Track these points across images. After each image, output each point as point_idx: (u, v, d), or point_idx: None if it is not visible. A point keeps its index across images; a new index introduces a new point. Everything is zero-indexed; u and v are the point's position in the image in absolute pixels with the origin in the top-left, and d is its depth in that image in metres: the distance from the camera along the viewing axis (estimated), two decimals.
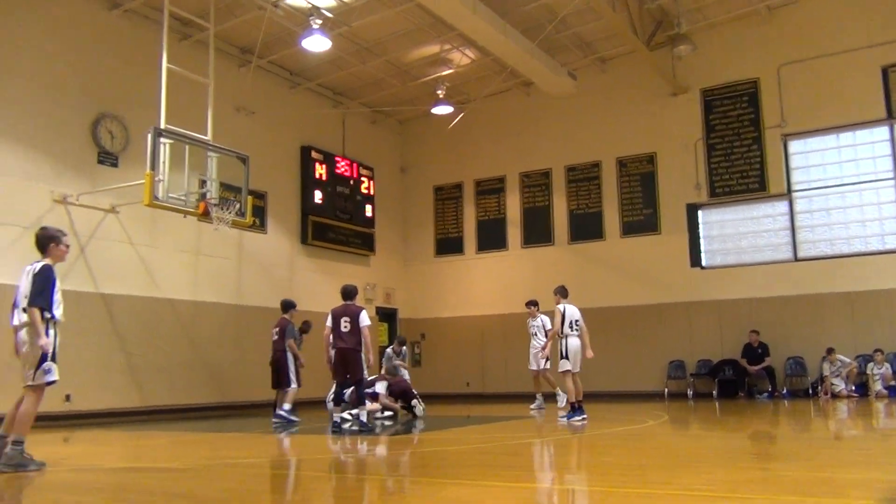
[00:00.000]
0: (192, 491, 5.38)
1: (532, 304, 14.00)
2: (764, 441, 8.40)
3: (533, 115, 19.56)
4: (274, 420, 11.47)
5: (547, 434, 9.01)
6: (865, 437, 8.70)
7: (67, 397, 12.55)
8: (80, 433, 10.79)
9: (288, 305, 12.27)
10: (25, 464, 6.20)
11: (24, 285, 6.45)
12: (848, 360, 14.87)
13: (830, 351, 14.88)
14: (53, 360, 6.39)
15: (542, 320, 13.63)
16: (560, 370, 10.78)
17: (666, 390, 16.90)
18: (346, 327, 10.00)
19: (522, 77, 18.03)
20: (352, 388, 10.31)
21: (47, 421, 12.02)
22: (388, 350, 13.89)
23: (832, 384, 14.82)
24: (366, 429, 9.83)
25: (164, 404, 13.93)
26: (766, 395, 15.62)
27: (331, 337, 10.07)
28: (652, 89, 17.92)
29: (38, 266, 6.41)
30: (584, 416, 10.43)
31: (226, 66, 15.71)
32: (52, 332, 6.43)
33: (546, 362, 13.46)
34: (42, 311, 6.34)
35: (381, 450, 8.33)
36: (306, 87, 18.24)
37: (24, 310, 6.36)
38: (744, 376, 16.06)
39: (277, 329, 11.90)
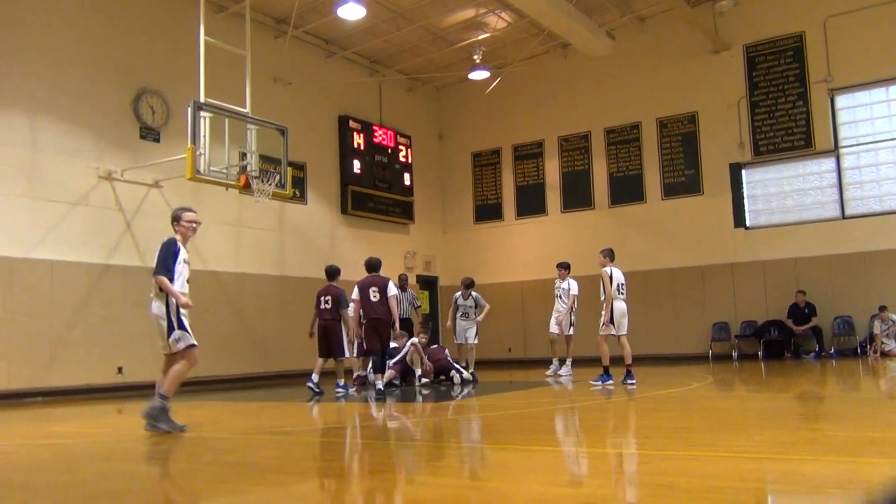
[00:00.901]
0: (241, 458, 5.50)
1: (563, 266, 13.55)
2: (811, 402, 8.30)
3: (570, 78, 19.31)
4: (337, 390, 11.05)
5: (589, 399, 9.02)
6: None
7: (119, 369, 12.90)
8: (132, 404, 11.07)
9: (336, 272, 11.71)
10: (168, 422, 6.69)
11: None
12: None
13: (883, 309, 14.59)
14: (181, 327, 6.75)
15: (570, 283, 13.32)
16: (603, 333, 10.71)
17: (710, 352, 16.77)
18: (375, 297, 10.29)
19: (559, 39, 17.78)
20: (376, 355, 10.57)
21: (102, 392, 12.40)
22: (457, 295, 13.57)
23: (882, 342, 14.56)
24: (381, 397, 9.95)
25: (212, 375, 14.20)
26: (812, 355, 15.42)
27: (360, 309, 10.38)
28: (693, 47, 17.55)
29: (165, 239, 6.95)
30: (612, 380, 10.48)
31: (262, 38, 15.74)
32: (173, 301, 6.80)
33: (571, 327, 13.25)
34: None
35: (420, 417, 8.42)
36: (342, 56, 18.21)
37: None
38: (790, 337, 15.85)
39: (328, 297, 11.25)
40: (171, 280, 6.83)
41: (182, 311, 6.80)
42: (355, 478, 4.56)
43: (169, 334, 6.69)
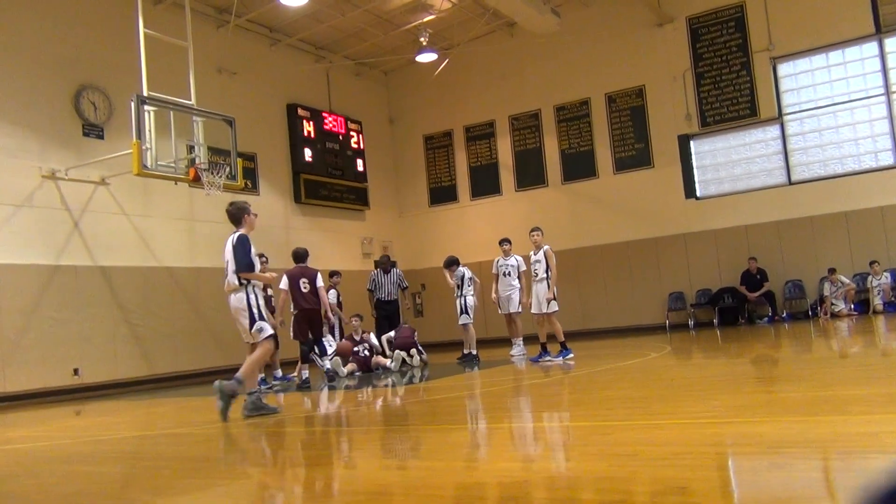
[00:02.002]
0: (206, 453, 5.45)
1: (506, 241, 12.80)
2: (766, 365, 8.51)
3: (518, 57, 19.33)
4: (273, 382, 11.05)
5: (549, 374, 9.11)
6: (865, 353, 8.80)
7: (76, 371, 12.66)
8: (91, 405, 10.91)
9: (307, 254, 10.97)
10: (261, 407, 6.92)
11: (227, 254, 7.10)
12: (848, 280, 14.97)
13: (832, 271, 14.97)
14: (261, 318, 7.01)
15: (518, 260, 12.63)
16: (552, 311, 10.67)
17: (667, 322, 17.05)
18: (305, 288, 10.36)
19: (505, 18, 17.78)
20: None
21: (58, 395, 12.18)
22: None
23: (832, 304, 14.95)
24: (306, 386, 9.96)
25: (172, 371, 14.05)
26: (766, 319, 15.78)
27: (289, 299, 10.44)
28: (637, 21, 17.71)
29: (236, 236, 7.08)
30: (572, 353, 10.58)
31: (203, 28, 15.46)
32: (252, 294, 7.03)
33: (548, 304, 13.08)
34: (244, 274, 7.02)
35: (382, 400, 8.43)
36: (287, 44, 17.98)
37: (227, 276, 7.03)
38: (744, 303, 16.19)
39: (305, 280, 10.54)
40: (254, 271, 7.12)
41: (261, 303, 7.08)
42: (323, 466, 4.55)
43: (251, 325, 6.94)
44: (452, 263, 13.05)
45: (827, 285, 15.12)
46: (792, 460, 3.35)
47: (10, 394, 11.73)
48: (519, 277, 12.46)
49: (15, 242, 12.23)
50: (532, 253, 10.92)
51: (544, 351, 10.66)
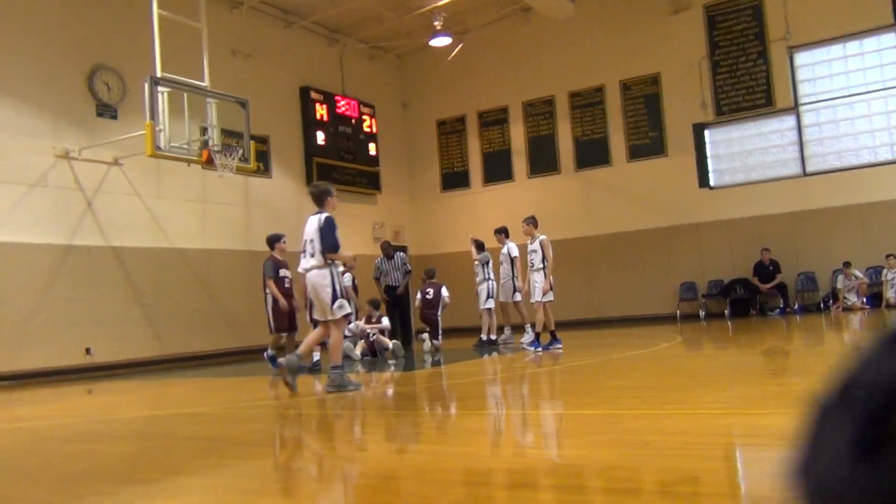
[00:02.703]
0: (219, 433, 5.48)
1: (502, 231, 12.97)
2: (777, 357, 8.47)
3: (533, 42, 19.22)
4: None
5: (560, 362, 9.11)
6: None
7: (88, 350, 12.75)
8: (102, 384, 10.98)
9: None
10: (346, 384, 7.08)
11: (310, 233, 7.29)
12: (861, 274, 14.87)
13: (847, 265, 14.86)
14: (342, 295, 7.30)
15: (510, 248, 12.82)
16: (546, 300, 10.68)
17: (678, 312, 17.00)
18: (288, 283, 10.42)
19: (521, 3, 17.68)
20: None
21: (70, 374, 12.27)
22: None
23: (845, 298, 14.86)
24: (316, 368, 10.19)
25: (183, 352, 14.12)
26: (777, 311, 15.71)
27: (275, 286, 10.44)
28: (653, 8, 17.57)
29: (323, 217, 7.25)
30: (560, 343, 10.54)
31: (218, 10, 15.41)
32: (336, 273, 7.31)
33: (517, 293, 12.78)
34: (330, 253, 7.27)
35: (398, 386, 8.45)
36: (301, 26, 17.92)
37: (312, 255, 7.23)
38: (755, 294, 16.12)
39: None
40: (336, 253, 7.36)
41: (341, 281, 7.45)
42: (338, 447, 4.57)
43: (333, 301, 7.16)
44: (480, 247, 13.06)
45: (840, 278, 15.02)
46: None
47: (22, 372, 11.83)
48: (513, 265, 12.54)
49: (28, 222, 12.29)
50: (528, 242, 10.90)
51: (553, 338, 10.63)
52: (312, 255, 7.23)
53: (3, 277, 11.83)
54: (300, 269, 7.38)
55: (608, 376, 7.27)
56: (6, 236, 11.93)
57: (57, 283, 12.51)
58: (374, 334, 11.95)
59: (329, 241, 7.15)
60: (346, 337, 11.06)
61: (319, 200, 7.46)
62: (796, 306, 15.75)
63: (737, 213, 16.74)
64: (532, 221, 11.03)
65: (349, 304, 7.37)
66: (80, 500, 3.41)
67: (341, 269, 7.81)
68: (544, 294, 10.54)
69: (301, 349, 7.39)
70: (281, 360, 7.25)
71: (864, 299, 14.82)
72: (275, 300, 10.40)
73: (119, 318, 13.33)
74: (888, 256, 14.61)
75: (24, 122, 12.39)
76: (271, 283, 10.44)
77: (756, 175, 16.81)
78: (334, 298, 7.14)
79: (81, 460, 4.59)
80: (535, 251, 10.79)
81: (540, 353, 10.17)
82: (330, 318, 7.21)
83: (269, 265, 10.52)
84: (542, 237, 10.78)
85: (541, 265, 10.66)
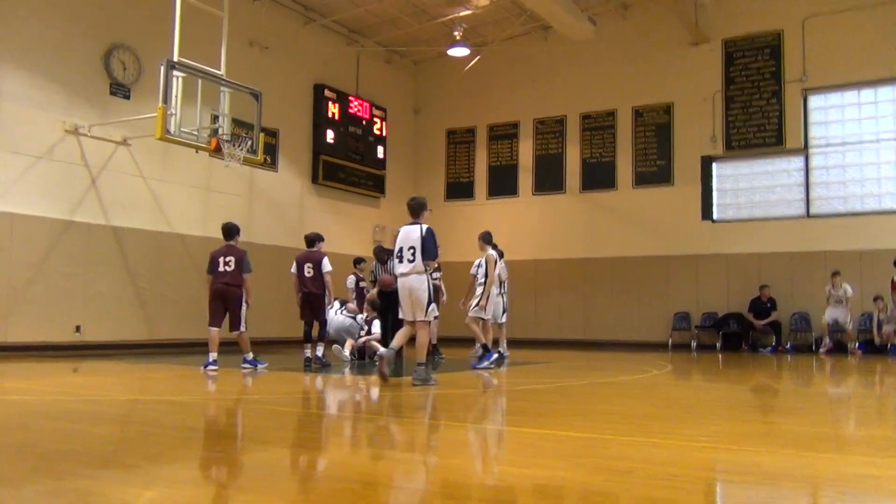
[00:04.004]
0: (201, 424, 5.45)
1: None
2: (767, 395, 8.45)
3: (550, 61, 19.26)
4: (244, 366, 10.26)
5: (553, 380, 9.08)
6: (867, 394, 8.73)
7: (78, 328, 12.71)
8: (88, 363, 10.94)
9: (317, 239, 11.02)
10: (429, 379, 7.84)
11: (410, 241, 7.99)
12: (850, 288, 14.73)
13: (835, 274, 14.79)
14: (435, 301, 8.16)
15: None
16: (477, 315, 10.81)
17: (670, 341, 16.99)
18: (309, 272, 10.61)
19: (541, 21, 17.71)
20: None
21: (58, 351, 12.22)
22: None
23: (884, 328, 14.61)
24: (321, 364, 10.53)
25: (173, 338, 14.08)
26: (769, 349, 15.69)
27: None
28: (673, 38, 17.61)
29: (425, 228, 8.00)
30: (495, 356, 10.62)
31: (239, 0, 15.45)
32: (432, 279, 8.20)
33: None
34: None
35: (378, 392, 8.42)
36: (321, 24, 17.96)
37: (411, 261, 7.92)
38: (748, 330, 16.12)
39: (310, 265, 10.65)
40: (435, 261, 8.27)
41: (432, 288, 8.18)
42: (318, 447, 4.54)
43: (428, 305, 7.90)
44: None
45: (875, 312, 14.85)
46: (789, 494, 3.31)
47: (10, 344, 11.78)
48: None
49: (31, 193, 12.27)
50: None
51: (486, 351, 10.64)
52: (411, 261, 7.90)
53: (0, 247, 11.80)
54: (397, 273, 8.13)
55: (598, 400, 7.24)
56: (7, 206, 11.91)
57: (53, 258, 12.47)
58: (363, 341, 11.87)
59: (431, 249, 7.93)
60: (324, 340, 11.13)
61: (417, 212, 8.16)
62: (788, 345, 15.73)
63: (737, 248, 16.75)
64: (484, 237, 11.21)
65: (437, 306, 8.14)
66: (58, 480, 3.38)
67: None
68: (481, 309, 10.75)
69: (394, 343, 8.07)
70: (381, 351, 8.06)
71: (857, 344, 14.79)
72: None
73: (112, 298, 13.29)
74: (876, 299, 14.59)
75: (36, 94, 12.39)
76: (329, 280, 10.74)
77: (759, 212, 16.83)
78: (430, 301, 7.88)
79: (64, 440, 4.56)
80: (479, 266, 11.22)
81: (492, 366, 10.23)
82: (420, 318, 7.90)
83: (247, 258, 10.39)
84: (490, 253, 10.96)
85: (482, 280, 10.96)
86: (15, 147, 12.05)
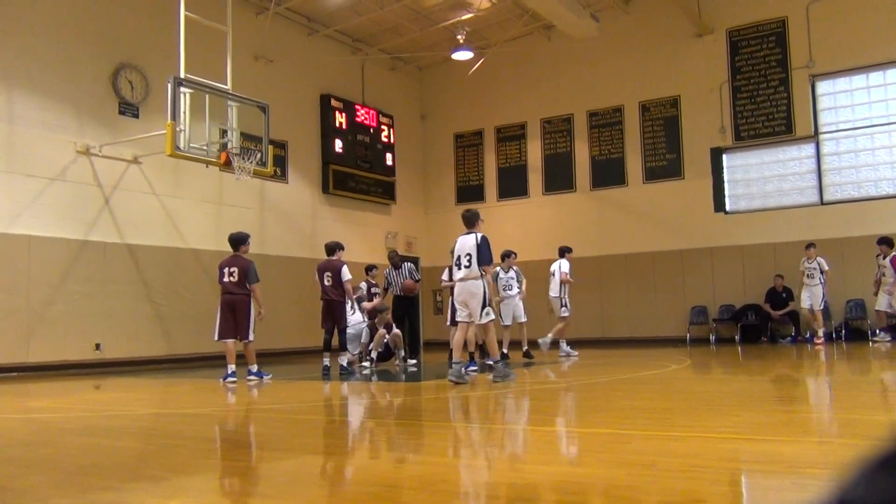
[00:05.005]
0: (224, 436, 5.49)
1: (511, 254, 12.96)
2: (787, 384, 8.41)
3: (554, 60, 19.26)
4: (249, 378, 10.19)
5: (569, 378, 9.08)
6: (891, 379, 8.67)
7: (97, 346, 12.81)
8: (109, 380, 11.03)
9: (337, 247, 11.18)
10: (508, 374, 8.43)
11: (466, 249, 8.50)
12: (824, 262, 14.46)
13: (810, 246, 14.56)
14: (490, 304, 8.51)
15: (516, 271, 13.00)
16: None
17: (688, 336, 16.91)
18: (328, 281, 10.82)
19: (543, 20, 17.72)
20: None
21: (79, 369, 12.32)
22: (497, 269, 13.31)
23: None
24: (346, 372, 10.64)
25: (191, 352, 14.16)
26: (789, 339, 15.59)
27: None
28: (676, 30, 17.57)
29: (480, 236, 8.54)
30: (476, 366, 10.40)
31: (243, 14, 15.55)
32: (488, 285, 8.58)
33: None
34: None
35: (390, 395, 8.44)
36: (324, 34, 18.05)
37: (468, 267, 8.42)
38: (767, 321, 16.02)
39: (330, 273, 10.83)
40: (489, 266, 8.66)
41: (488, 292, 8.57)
42: (345, 455, 4.56)
43: (483, 308, 8.35)
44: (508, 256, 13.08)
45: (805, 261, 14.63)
46: (813, 481, 3.30)
47: (33, 364, 11.89)
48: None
49: (46, 215, 12.39)
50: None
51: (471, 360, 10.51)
52: (468, 267, 8.40)
53: (18, 269, 11.93)
54: (455, 279, 8.64)
55: (618, 396, 7.23)
56: (24, 229, 12.04)
57: (71, 278, 12.59)
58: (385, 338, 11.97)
59: (487, 256, 8.44)
60: (347, 350, 11.24)
61: (471, 222, 8.73)
62: (808, 335, 15.62)
63: (751, 239, 16.67)
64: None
65: (492, 310, 8.57)
66: (84, 494, 3.42)
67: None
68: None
69: (455, 354, 8.39)
70: (452, 369, 8.27)
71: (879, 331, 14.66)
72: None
73: (130, 315, 13.39)
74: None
75: (47, 116, 12.52)
76: (350, 288, 10.99)
77: (772, 202, 16.75)
78: (484, 305, 8.34)
79: (89, 454, 4.60)
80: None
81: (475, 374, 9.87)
82: (478, 321, 8.39)
83: (253, 268, 10.36)
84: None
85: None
86: (29, 170, 12.18)
